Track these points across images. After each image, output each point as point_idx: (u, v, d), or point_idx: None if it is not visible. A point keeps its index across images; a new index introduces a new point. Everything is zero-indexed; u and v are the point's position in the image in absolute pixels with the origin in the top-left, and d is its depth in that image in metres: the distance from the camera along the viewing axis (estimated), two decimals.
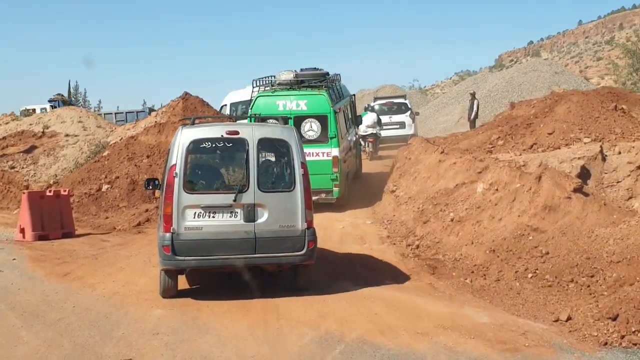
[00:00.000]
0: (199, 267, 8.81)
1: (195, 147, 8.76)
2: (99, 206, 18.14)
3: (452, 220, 11.81)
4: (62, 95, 29.19)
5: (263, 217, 8.61)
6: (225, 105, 23.95)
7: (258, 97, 15.86)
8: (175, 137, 8.94)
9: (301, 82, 16.15)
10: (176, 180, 8.47)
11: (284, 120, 10.58)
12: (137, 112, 34.00)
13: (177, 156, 8.57)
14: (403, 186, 15.52)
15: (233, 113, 22.42)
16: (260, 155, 8.94)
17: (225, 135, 8.82)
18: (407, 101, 30.17)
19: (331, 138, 15.52)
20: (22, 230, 13.72)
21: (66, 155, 20.78)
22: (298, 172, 8.74)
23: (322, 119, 15.58)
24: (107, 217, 17.40)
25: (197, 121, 9.66)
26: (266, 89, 16.37)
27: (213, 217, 8.57)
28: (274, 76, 16.51)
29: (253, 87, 16.65)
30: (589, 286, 8.51)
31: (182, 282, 9.46)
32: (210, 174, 9.21)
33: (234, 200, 8.57)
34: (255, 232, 8.56)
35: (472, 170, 12.77)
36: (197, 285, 9.76)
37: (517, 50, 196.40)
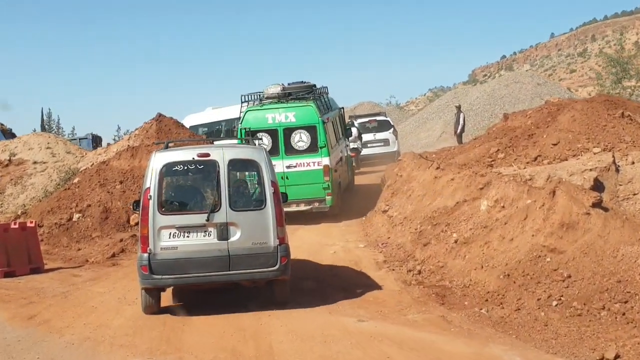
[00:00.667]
0: (176, 284, 9.26)
1: (168, 170, 9.09)
2: (70, 237, 16.86)
3: (456, 241, 10.83)
4: (2, 125, 27.87)
5: (236, 235, 8.90)
6: None
7: (247, 111, 16.06)
8: (149, 161, 9.18)
9: (289, 95, 16.34)
10: (151, 202, 8.80)
11: (254, 141, 11.00)
12: (80, 139, 32.02)
13: (151, 179, 8.91)
14: (396, 205, 14.54)
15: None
16: (231, 176, 9.23)
17: (197, 158, 9.16)
18: (388, 118, 30.24)
19: (321, 147, 15.65)
20: None
21: (34, 183, 19.49)
22: (268, 190, 8.99)
23: (311, 130, 15.72)
24: (79, 249, 16.14)
25: (171, 145, 9.97)
26: (255, 103, 16.53)
27: (187, 236, 8.90)
28: (262, 92, 16.65)
29: (242, 102, 16.72)
30: (624, 314, 7.58)
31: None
32: (183, 196, 9.65)
33: (207, 220, 8.87)
34: (229, 250, 8.85)
35: (473, 187, 11.84)
36: (180, 303, 9.69)
37: (490, 65, 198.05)
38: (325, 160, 15.65)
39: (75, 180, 19.09)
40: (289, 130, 15.61)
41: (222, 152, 9.20)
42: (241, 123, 15.89)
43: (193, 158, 9.18)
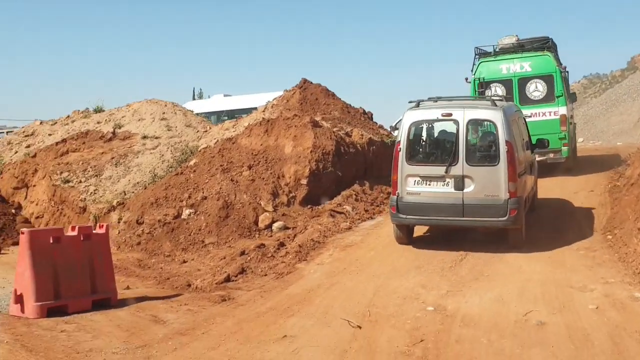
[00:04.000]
0: (417, 224, 10.69)
1: (415, 126, 10.32)
2: (175, 241, 12.10)
3: None
4: None
5: (470, 187, 9.80)
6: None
7: (481, 62, 16.07)
8: (401, 118, 10.50)
9: (522, 46, 16.12)
10: (400, 153, 10.10)
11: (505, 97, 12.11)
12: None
13: (402, 133, 10.19)
14: None
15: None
16: (469, 134, 10.05)
17: (440, 117, 10.18)
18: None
19: (558, 97, 15.47)
20: (19, 298, 7.77)
21: (141, 164, 14.90)
22: (502, 149, 9.67)
23: (547, 79, 15.54)
24: (184, 261, 11.33)
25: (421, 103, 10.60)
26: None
27: (429, 184, 10.03)
28: (495, 44, 16.50)
29: (475, 54, 16.55)
30: None
31: None
32: (427, 149, 10.59)
33: (446, 172, 9.88)
34: (463, 199, 9.80)
35: None
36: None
37: None
38: (563, 110, 15.42)
39: (191, 163, 14.36)
40: (524, 80, 15.40)
41: (464, 112, 10.02)
42: (474, 74, 15.87)
43: (437, 117, 10.19)
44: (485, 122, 10.21)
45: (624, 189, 12.02)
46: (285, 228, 12.21)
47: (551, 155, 15.03)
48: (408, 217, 10.16)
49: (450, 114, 10.02)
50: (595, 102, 43.68)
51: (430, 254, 10.10)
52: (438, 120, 10.23)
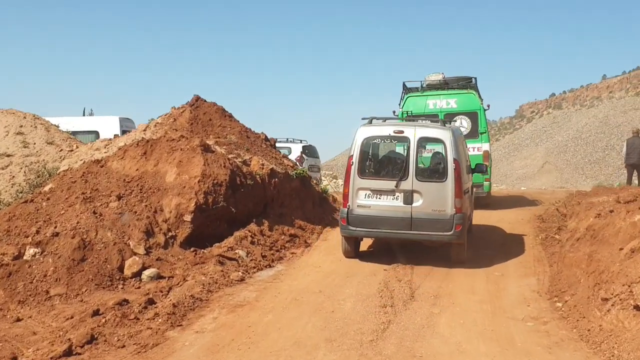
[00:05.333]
0: (367, 236, 10.93)
1: (368, 142, 10.78)
2: (11, 290, 9.24)
3: None
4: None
5: (419, 201, 10.25)
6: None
7: (408, 97, 16.51)
8: (354, 134, 10.71)
9: (447, 84, 16.69)
10: (353, 167, 10.49)
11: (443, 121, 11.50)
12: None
13: (355, 149, 10.55)
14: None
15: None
16: (419, 151, 10.53)
17: (393, 134, 10.66)
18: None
19: (481, 133, 16.00)
20: None
21: None
22: (450, 166, 10.17)
23: (472, 116, 16.11)
24: (18, 319, 8.57)
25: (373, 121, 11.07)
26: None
27: (379, 198, 10.40)
28: (422, 80, 17.01)
29: (403, 89, 16.98)
30: None
31: None
32: (378, 164, 11.05)
33: (396, 186, 10.32)
34: (411, 213, 10.23)
35: None
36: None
37: (538, 102, 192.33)
38: (486, 146, 15.96)
39: (46, 189, 11.42)
40: (449, 116, 15.41)
41: (415, 130, 10.53)
42: (402, 108, 16.23)
43: (389, 134, 10.71)
44: (435, 140, 10.59)
45: (567, 243, 10.28)
46: (159, 277, 9.60)
47: (474, 189, 14.36)
48: (357, 229, 10.51)
49: (402, 131, 10.54)
50: (497, 146, 43.69)
51: (344, 315, 7.96)
52: (390, 136, 10.70)
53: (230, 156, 12.44)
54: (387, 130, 10.70)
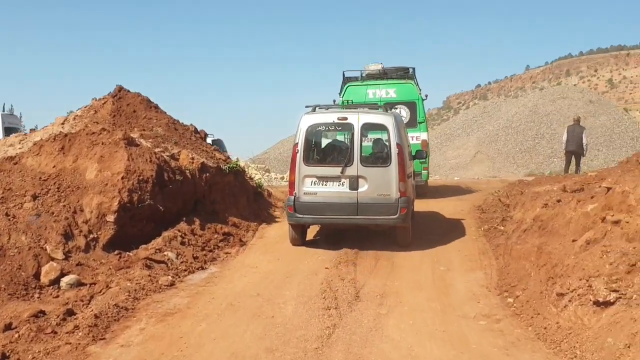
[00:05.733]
0: (314, 223, 11.23)
1: (312, 129, 10.78)
2: None
3: None
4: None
5: (364, 187, 10.41)
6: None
7: (348, 86, 16.59)
8: (299, 122, 10.74)
9: (386, 74, 16.88)
10: (298, 155, 10.52)
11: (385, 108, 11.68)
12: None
13: (299, 136, 10.59)
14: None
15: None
16: (363, 137, 10.68)
17: (336, 121, 10.73)
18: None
19: (420, 123, 16.23)
20: None
21: None
22: (394, 151, 10.36)
23: (411, 105, 16.31)
24: None
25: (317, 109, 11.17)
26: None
27: (325, 185, 10.52)
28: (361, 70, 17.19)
29: (343, 78, 17.05)
30: None
31: None
32: (324, 151, 11.30)
33: (341, 173, 10.45)
34: (357, 199, 10.37)
35: None
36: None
37: (465, 93, 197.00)
38: (424, 135, 16.19)
39: None
40: (389, 105, 14.34)
41: (358, 117, 10.63)
42: (342, 97, 16.25)
43: (333, 121, 10.76)
44: (378, 126, 10.76)
45: (513, 235, 9.96)
46: (80, 284, 8.70)
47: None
48: (305, 216, 10.59)
49: (346, 118, 10.63)
50: (429, 137, 43.99)
51: (285, 321, 7.35)
52: (334, 123, 10.79)
53: (157, 150, 11.59)
54: (331, 117, 10.78)
